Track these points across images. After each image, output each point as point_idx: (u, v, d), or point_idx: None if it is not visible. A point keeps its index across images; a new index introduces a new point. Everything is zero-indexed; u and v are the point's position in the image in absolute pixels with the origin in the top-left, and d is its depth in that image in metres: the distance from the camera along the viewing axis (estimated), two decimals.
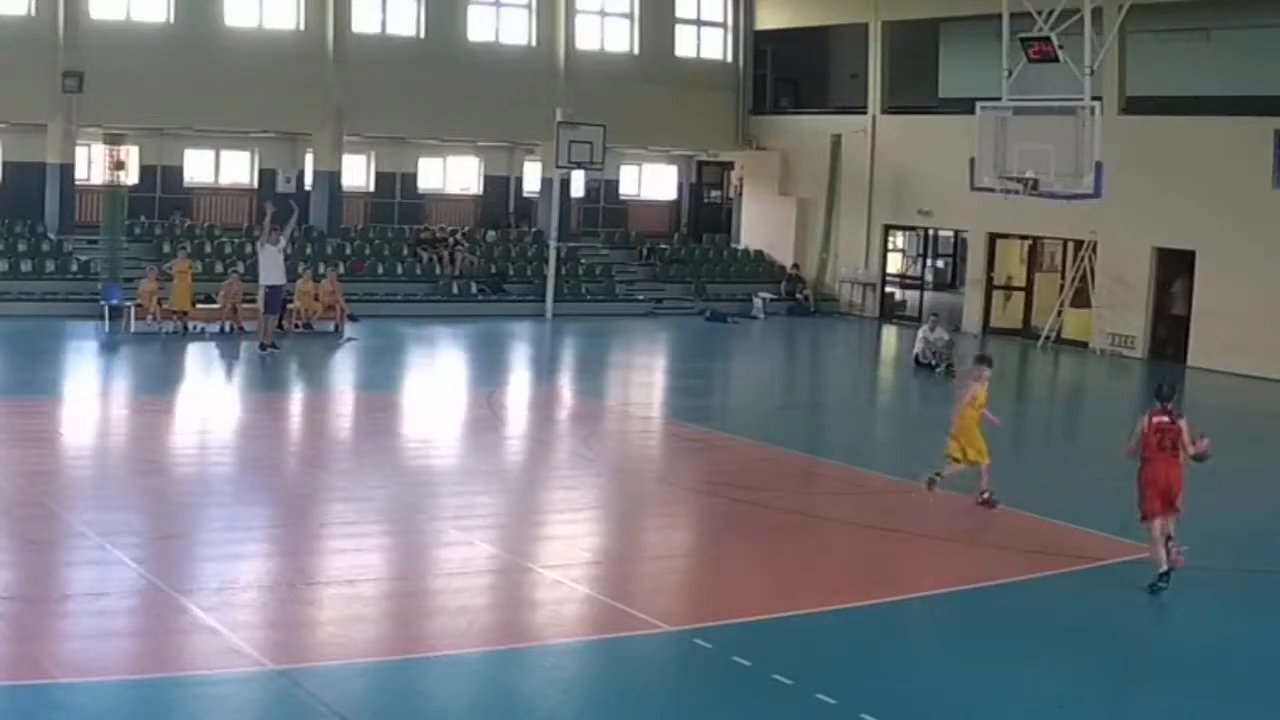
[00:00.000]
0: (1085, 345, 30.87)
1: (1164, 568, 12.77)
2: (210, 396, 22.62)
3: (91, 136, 31.50)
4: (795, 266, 37.06)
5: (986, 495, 15.65)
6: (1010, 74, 24.79)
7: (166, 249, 30.45)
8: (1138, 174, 27.58)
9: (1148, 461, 12.84)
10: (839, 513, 15.88)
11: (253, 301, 26.40)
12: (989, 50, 26.87)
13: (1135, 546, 14.30)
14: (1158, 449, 12.78)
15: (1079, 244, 31.02)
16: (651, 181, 40.62)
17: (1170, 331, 29.80)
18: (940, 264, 40.01)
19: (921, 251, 37.93)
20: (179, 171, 33.84)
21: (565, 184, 35.45)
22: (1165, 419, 12.82)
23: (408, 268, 33.28)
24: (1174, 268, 29.74)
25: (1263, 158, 27.40)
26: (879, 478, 17.55)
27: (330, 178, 33.58)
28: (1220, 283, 28.38)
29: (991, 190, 25.13)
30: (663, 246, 38.19)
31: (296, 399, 22.99)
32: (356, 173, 35.57)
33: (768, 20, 38.60)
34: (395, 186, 36.38)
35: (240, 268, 28.98)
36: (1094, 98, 23.72)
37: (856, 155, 35.90)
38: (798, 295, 36.23)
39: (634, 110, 35.08)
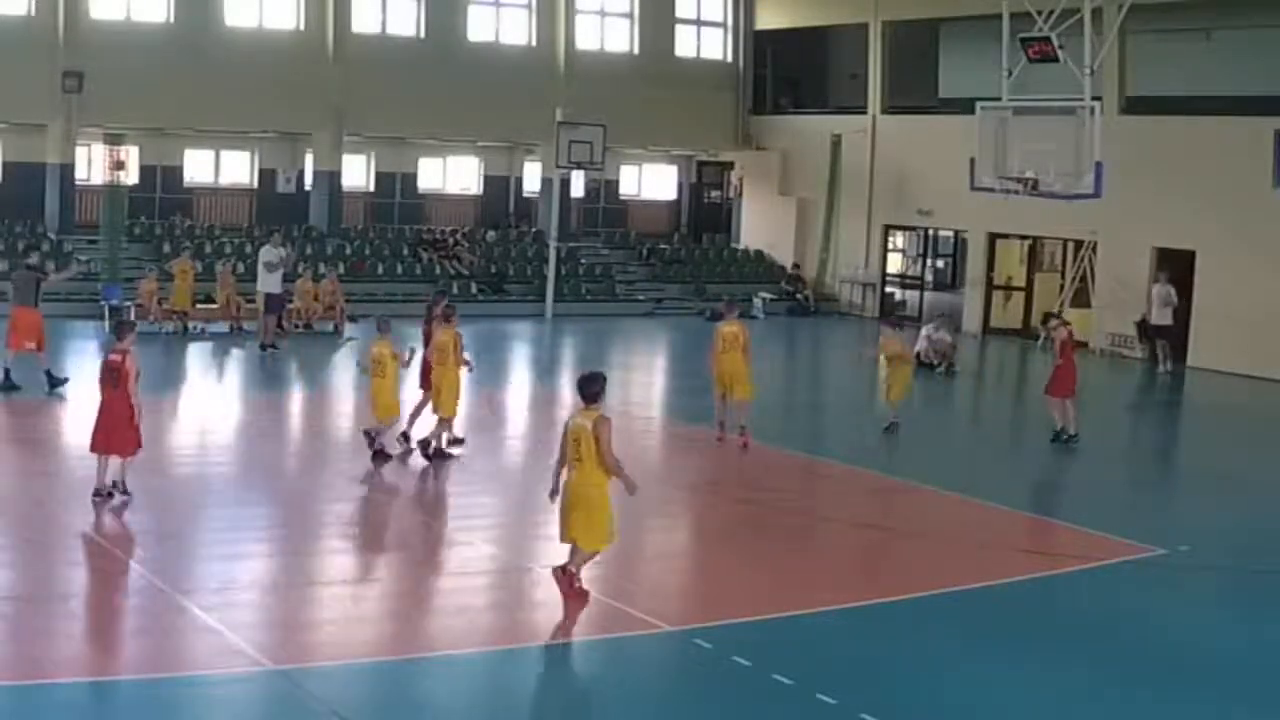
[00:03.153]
0: (1085, 345, 30.83)
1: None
2: (210, 396, 22.61)
3: (91, 136, 31.50)
4: (796, 266, 37.07)
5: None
6: (1010, 74, 24.76)
7: (167, 249, 30.51)
8: (1138, 174, 27.56)
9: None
10: (839, 513, 15.87)
11: (253, 301, 26.48)
12: (989, 50, 26.84)
13: (1135, 547, 14.31)
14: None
15: (1079, 244, 31.02)
16: (651, 181, 40.63)
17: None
18: (940, 264, 39.97)
19: (921, 251, 37.92)
20: (179, 171, 33.87)
21: (565, 184, 35.46)
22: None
23: (408, 268, 33.28)
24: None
25: (1263, 158, 27.37)
26: (879, 478, 17.54)
27: (330, 178, 33.59)
28: (1220, 283, 28.36)
29: (991, 190, 25.09)
30: (663, 246, 38.20)
31: (296, 399, 23.00)
32: (356, 173, 35.59)
33: (768, 20, 38.60)
34: (395, 186, 36.40)
35: (240, 268, 28.97)
36: (1094, 98, 23.69)
37: (856, 155, 35.90)
38: (798, 295, 36.23)
39: (634, 110, 35.08)
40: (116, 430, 13.90)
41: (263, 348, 24.82)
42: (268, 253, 26.42)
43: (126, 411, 13.90)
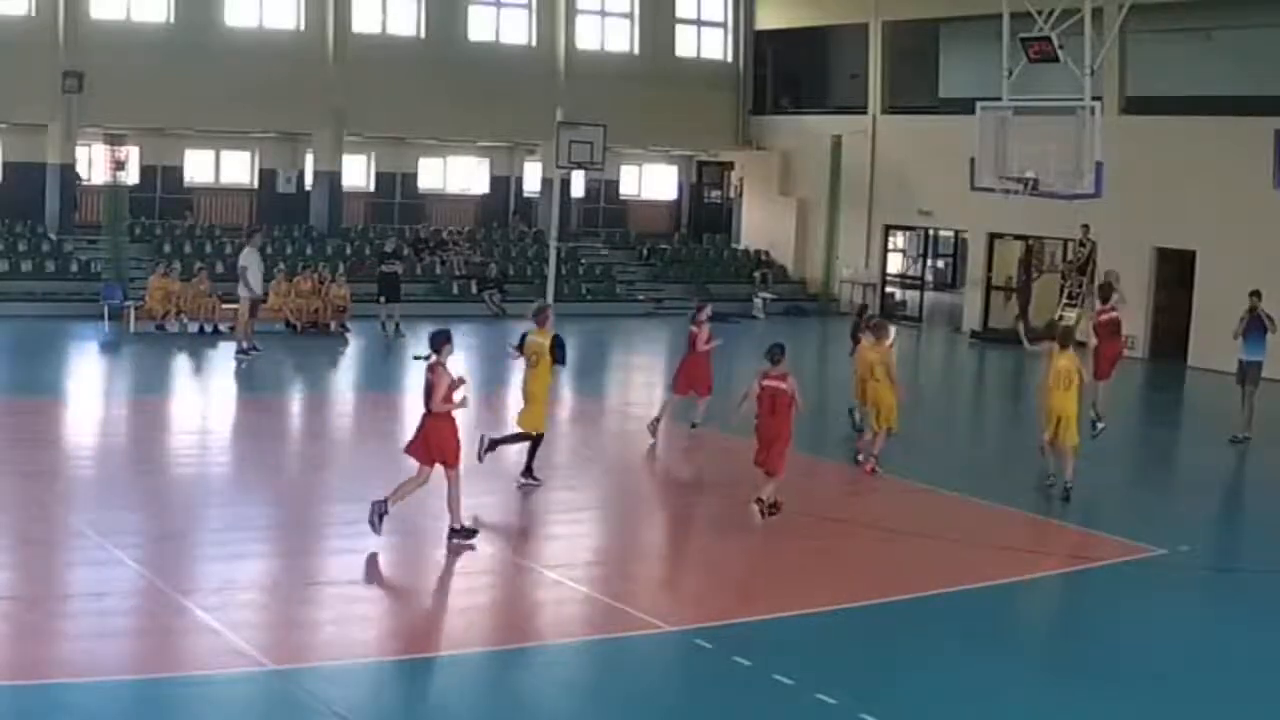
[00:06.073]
0: (1084, 345, 30.78)
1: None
2: (210, 396, 22.60)
3: (91, 136, 31.50)
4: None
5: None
6: (1010, 74, 24.72)
7: (167, 249, 30.55)
8: (1138, 174, 27.56)
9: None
10: (840, 513, 15.88)
11: (234, 302, 25.93)
12: (989, 50, 26.82)
13: (1135, 547, 14.32)
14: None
15: (1080, 244, 31.00)
16: (651, 181, 40.64)
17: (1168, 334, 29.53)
18: (940, 264, 40.01)
19: (922, 251, 37.94)
20: (179, 171, 33.87)
21: (565, 184, 35.44)
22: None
23: (408, 268, 33.24)
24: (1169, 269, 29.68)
25: (1263, 158, 27.38)
26: (878, 478, 17.53)
27: (330, 178, 33.60)
28: (1220, 283, 28.33)
29: (991, 190, 25.07)
30: (663, 246, 38.21)
31: (296, 399, 22.98)
32: (356, 173, 35.59)
33: (768, 20, 38.61)
34: (395, 186, 36.41)
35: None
36: (1094, 98, 23.66)
37: (856, 155, 35.89)
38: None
39: (634, 110, 35.06)
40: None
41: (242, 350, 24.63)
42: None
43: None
